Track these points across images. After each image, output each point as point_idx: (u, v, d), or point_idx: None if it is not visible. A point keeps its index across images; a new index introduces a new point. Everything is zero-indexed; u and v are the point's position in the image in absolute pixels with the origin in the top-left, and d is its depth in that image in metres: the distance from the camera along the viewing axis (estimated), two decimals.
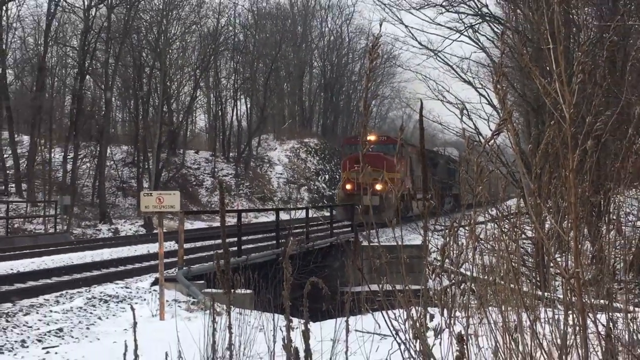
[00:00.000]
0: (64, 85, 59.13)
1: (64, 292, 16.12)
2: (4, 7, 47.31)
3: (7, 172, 47.25)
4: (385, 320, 4.68)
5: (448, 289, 5.39)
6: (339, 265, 24.73)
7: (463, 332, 4.40)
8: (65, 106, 57.88)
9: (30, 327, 12.59)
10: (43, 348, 11.34)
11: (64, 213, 39.46)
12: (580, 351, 4.30)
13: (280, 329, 5.60)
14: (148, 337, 9.53)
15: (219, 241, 6.62)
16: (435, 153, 46.71)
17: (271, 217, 37.76)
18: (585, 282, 4.42)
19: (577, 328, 4.36)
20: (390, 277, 4.67)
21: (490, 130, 18.36)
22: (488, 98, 20.46)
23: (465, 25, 23.09)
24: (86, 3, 49.42)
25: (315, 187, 71.48)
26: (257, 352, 8.10)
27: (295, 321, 5.94)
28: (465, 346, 4.11)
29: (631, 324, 5.11)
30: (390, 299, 4.76)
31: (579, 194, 4.34)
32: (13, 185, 47.01)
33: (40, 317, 13.33)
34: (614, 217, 7.63)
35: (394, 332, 4.65)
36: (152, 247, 25.82)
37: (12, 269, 19.84)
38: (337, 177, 65.02)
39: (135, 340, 5.49)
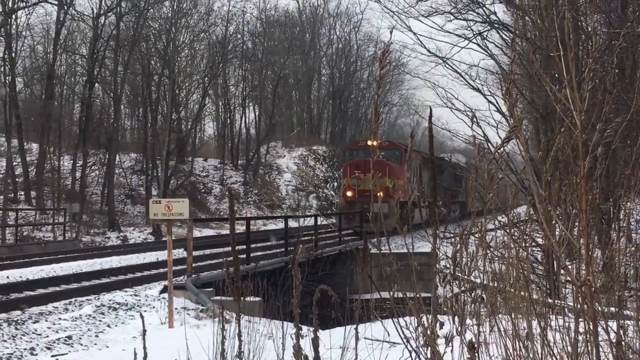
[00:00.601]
0: (73, 93, 59.39)
1: (73, 299, 16.13)
2: (14, 16, 47.54)
3: (17, 180, 47.39)
4: (396, 328, 4.66)
5: (458, 297, 5.38)
6: (348, 272, 24.72)
7: (474, 340, 4.39)
8: (75, 114, 58.11)
9: (40, 334, 12.60)
10: (52, 356, 11.36)
11: (72, 221, 39.49)
12: (591, 359, 4.28)
13: (290, 336, 5.59)
14: (157, 345, 9.53)
15: (227, 249, 6.63)
16: (441, 159, 46.12)
17: (280, 225, 37.63)
18: (597, 289, 4.40)
19: (588, 335, 4.35)
20: (400, 285, 4.66)
21: (499, 137, 18.37)
22: (497, 105, 20.45)
23: (474, 33, 23.10)
24: (95, 11, 49.74)
25: (324, 194, 71.42)
26: None
27: (305, 329, 5.93)
28: (476, 354, 4.10)
29: None
30: (400, 306, 4.75)
31: (590, 201, 4.32)
32: (22, 193, 47.16)
33: (50, 325, 13.33)
34: (625, 225, 7.60)
35: (404, 340, 4.63)
36: (161, 255, 25.80)
37: (21, 277, 19.86)
38: None
39: (144, 347, 5.49)
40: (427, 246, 5.66)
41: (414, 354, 4.65)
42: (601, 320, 4.26)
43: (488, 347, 5.21)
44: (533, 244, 10.90)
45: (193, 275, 16.90)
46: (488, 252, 5.41)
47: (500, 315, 5.27)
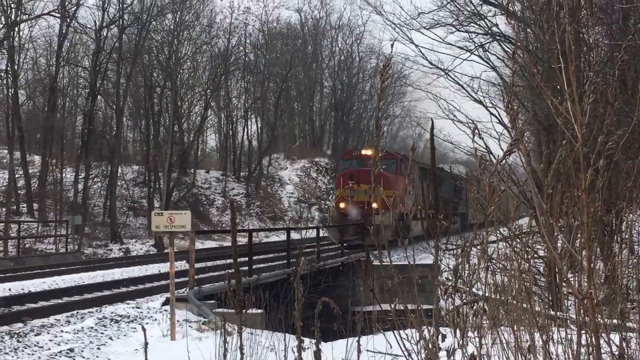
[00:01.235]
0: (76, 106, 59.59)
1: (75, 312, 16.14)
2: (16, 28, 47.69)
3: (19, 192, 47.44)
4: (397, 341, 4.66)
5: (460, 309, 5.37)
6: (350, 284, 24.66)
7: (476, 353, 4.38)
8: (77, 126, 58.28)
9: (42, 347, 12.59)
10: None
11: (75, 233, 39.50)
12: None
13: (292, 349, 5.58)
14: (159, 357, 9.52)
15: (229, 261, 6.61)
16: (440, 170, 45.27)
17: (282, 237, 37.52)
18: (599, 302, 4.40)
19: (591, 348, 4.34)
20: (402, 297, 4.65)
21: (501, 149, 18.31)
22: (499, 117, 20.44)
23: (476, 45, 23.18)
24: (98, 24, 49.90)
25: (326, 206, 71.27)
26: None
27: (307, 341, 5.93)
28: None
29: None
30: (402, 318, 4.75)
31: (592, 213, 4.32)
32: (24, 205, 47.21)
33: (51, 337, 13.33)
34: (627, 237, 7.59)
35: (406, 353, 4.63)
36: (163, 267, 25.81)
37: (23, 289, 19.88)
38: None
39: None
40: (428, 258, 5.65)
41: None
42: (603, 333, 4.26)
43: None
44: (535, 256, 10.89)
45: (195, 288, 16.89)
46: (490, 264, 5.41)
47: (502, 328, 5.27)
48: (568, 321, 5.55)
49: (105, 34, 50.73)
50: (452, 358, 4.84)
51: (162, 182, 55.15)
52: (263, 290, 11.92)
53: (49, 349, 12.50)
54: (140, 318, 15.47)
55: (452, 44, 23.14)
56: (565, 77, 4.17)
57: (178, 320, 14.30)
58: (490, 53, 23.18)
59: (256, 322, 13.45)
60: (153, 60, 58.06)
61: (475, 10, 23.21)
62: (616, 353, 4.54)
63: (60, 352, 12.26)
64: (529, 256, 6.10)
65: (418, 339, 4.58)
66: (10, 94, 49.03)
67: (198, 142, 71.62)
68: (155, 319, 15.26)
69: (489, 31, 22.90)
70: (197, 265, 18.99)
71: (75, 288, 19.61)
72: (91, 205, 51.05)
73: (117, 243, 45.77)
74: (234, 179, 70.01)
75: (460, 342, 4.75)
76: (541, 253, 11.41)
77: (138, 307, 16.55)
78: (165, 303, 16.40)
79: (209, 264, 24.12)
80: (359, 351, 5.81)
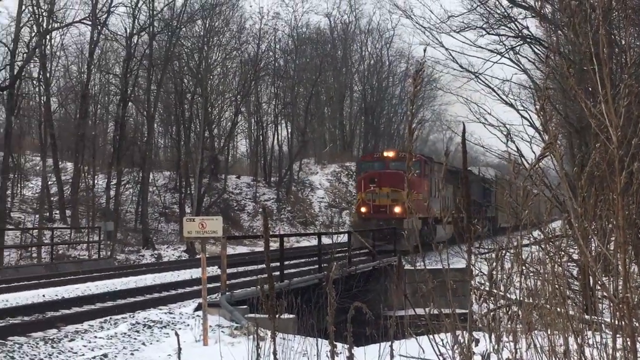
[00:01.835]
0: (107, 112, 60.07)
1: (108, 317, 16.20)
2: (48, 36, 48.13)
3: (52, 198, 47.84)
4: (432, 345, 4.64)
5: (494, 313, 5.34)
6: (382, 289, 24.58)
7: (510, 357, 4.36)
8: (108, 133, 58.76)
9: (75, 353, 12.66)
10: None
11: (107, 239, 39.74)
12: None
13: (325, 354, 5.58)
14: None
15: (261, 266, 6.62)
16: (469, 172, 44.42)
17: (313, 242, 37.38)
18: (635, 305, 4.36)
19: (626, 352, 4.30)
20: (435, 302, 4.64)
21: (533, 152, 18.25)
22: (530, 120, 20.34)
23: (506, 47, 23.05)
24: (128, 31, 50.27)
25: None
26: None
27: (339, 346, 5.92)
28: None
29: None
30: (435, 323, 4.73)
31: (626, 216, 4.28)
32: (57, 211, 47.62)
33: (85, 343, 13.40)
34: None
35: (441, 358, 4.61)
36: (195, 273, 25.85)
37: (57, 295, 20.00)
38: None
39: None
40: (459, 262, 5.61)
41: None
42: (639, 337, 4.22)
43: None
44: (568, 259, 10.82)
45: (227, 293, 16.91)
46: (523, 268, 5.37)
47: (536, 332, 5.23)
48: (603, 325, 5.50)
49: (135, 40, 51.13)
50: None
51: (193, 187, 55.36)
52: (295, 295, 11.93)
53: (83, 354, 12.56)
54: (172, 323, 15.51)
55: (482, 47, 23.06)
56: (598, 79, 4.14)
57: (210, 326, 14.33)
58: (521, 56, 23.07)
59: (288, 327, 13.45)
60: (183, 67, 58.32)
61: (505, 13, 23.09)
62: None
63: (94, 357, 12.32)
64: (563, 259, 6.06)
65: (452, 343, 4.56)
66: (42, 101, 49.57)
67: (229, 148, 71.84)
68: (188, 325, 15.30)
69: (520, 34, 22.79)
70: (229, 271, 18.99)
71: (108, 294, 19.71)
72: (123, 211, 51.36)
73: (149, 249, 45.99)
74: (264, 184, 70.15)
75: (495, 347, 4.73)
76: (575, 256, 11.33)
77: (170, 313, 16.60)
78: (197, 308, 16.44)
79: (241, 269, 24.12)
80: (392, 356, 5.80)
